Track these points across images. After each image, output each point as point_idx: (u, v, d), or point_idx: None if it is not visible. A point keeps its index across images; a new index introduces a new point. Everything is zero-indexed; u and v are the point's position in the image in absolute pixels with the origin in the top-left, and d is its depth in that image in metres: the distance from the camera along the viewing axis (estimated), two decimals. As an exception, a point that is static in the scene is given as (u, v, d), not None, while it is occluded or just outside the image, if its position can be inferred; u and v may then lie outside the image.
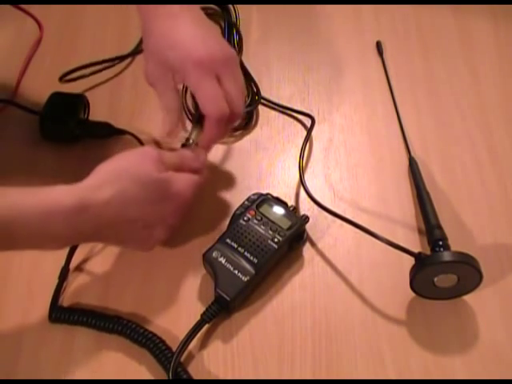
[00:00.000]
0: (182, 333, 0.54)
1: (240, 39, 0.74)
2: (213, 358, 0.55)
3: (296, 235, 0.58)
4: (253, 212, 0.58)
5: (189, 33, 0.56)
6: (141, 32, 0.73)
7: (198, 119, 0.60)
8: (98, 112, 0.68)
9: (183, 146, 0.60)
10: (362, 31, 0.76)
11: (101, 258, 0.60)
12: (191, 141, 0.60)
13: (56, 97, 0.67)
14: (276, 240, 0.57)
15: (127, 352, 0.54)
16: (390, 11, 0.77)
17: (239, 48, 0.73)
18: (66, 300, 0.58)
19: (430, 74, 0.72)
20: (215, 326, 0.56)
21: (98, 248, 0.61)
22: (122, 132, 0.66)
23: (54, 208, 0.48)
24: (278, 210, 0.59)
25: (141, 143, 0.66)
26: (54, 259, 0.58)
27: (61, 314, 0.56)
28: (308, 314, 0.57)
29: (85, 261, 0.60)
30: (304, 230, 0.60)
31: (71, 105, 0.67)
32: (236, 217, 0.59)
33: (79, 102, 0.67)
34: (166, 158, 0.55)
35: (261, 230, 0.57)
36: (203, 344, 0.55)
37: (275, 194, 0.61)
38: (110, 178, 0.52)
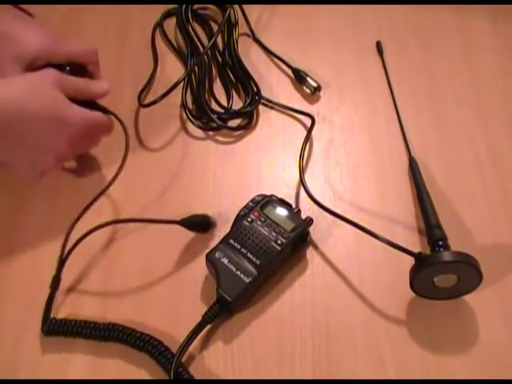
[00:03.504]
0: (183, 333, 0.54)
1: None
2: (213, 358, 0.55)
3: (299, 237, 0.58)
4: (257, 213, 0.58)
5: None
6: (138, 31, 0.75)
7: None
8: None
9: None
10: (362, 31, 0.76)
11: (101, 258, 0.60)
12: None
13: None
14: (279, 242, 0.57)
15: (126, 358, 0.54)
16: (390, 11, 0.77)
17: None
18: (64, 310, 0.57)
19: (430, 74, 0.72)
20: (216, 327, 0.56)
21: (98, 248, 0.61)
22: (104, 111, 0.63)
23: None
24: (282, 212, 0.59)
25: (121, 123, 0.63)
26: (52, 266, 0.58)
27: (53, 326, 0.55)
28: (308, 314, 0.57)
29: (86, 260, 0.60)
30: (308, 233, 0.60)
31: None
32: (240, 218, 0.59)
33: None
34: (68, 79, 0.57)
35: (264, 231, 0.57)
36: (204, 344, 0.55)
37: (276, 194, 0.61)
38: (15, 83, 0.54)
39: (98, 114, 0.60)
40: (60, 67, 0.59)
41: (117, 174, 0.61)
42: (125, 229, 0.62)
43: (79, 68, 0.62)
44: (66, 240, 0.58)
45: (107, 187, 0.61)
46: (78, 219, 0.60)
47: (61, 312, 0.57)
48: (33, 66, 0.58)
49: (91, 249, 0.60)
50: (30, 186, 0.64)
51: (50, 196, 0.64)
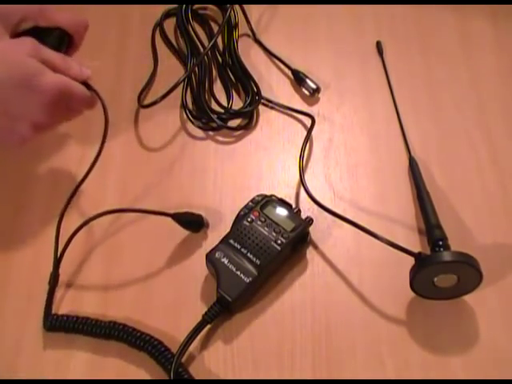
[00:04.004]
0: (183, 333, 0.54)
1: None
2: (213, 359, 0.55)
3: (299, 237, 0.58)
4: (257, 213, 0.58)
5: None
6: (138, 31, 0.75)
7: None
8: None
9: None
10: (362, 31, 0.76)
11: (100, 260, 0.60)
12: None
13: None
14: (279, 242, 0.57)
15: (126, 358, 0.54)
16: (390, 11, 0.77)
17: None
18: (64, 306, 0.58)
19: (430, 74, 0.72)
20: (216, 327, 0.56)
21: (97, 241, 0.61)
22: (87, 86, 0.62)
23: None
24: (282, 212, 0.59)
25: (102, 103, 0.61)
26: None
27: (55, 322, 0.55)
28: (308, 314, 0.57)
29: (85, 253, 0.60)
30: (308, 233, 0.60)
31: None
32: (240, 218, 0.59)
33: None
34: (46, 51, 0.55)
35: (264, 231, 0.57)
36: (204, 344, 0.55)
37: (276, 194, 0.61)
38: None
39: (75, 83, 0.57)
40: (47, 31, 0.58)
41: (94, 162, 0.59)
42: (122, 224, 0.62)
43: (66, 37, 0.60)
44: (58, 235, 0.58)
45: (82, 180, 0.59)
46: (61, 217, 0.58)
47: (62, 307, 0.57)
48: (18, 28, 0.57)
49: (90, 241, 0.61)
50: (29, 179, 0.65)
51: (49, 190, 0.64)
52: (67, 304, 0.58)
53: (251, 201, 0.60)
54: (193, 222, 0.61)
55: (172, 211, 0.59)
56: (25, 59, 0.53)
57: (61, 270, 0.58)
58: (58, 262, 0.57)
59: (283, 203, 0.60)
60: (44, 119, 0.55)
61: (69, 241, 0.57)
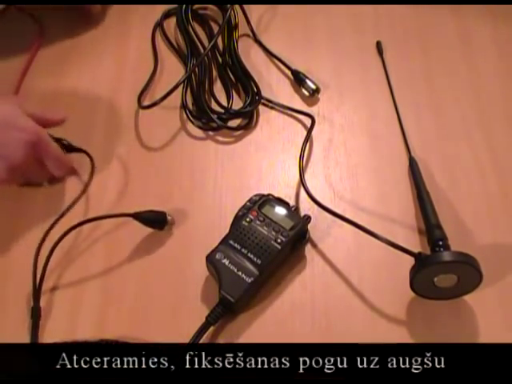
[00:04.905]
0: (185, 335, 0.54)
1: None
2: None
3: (299, 235, 0.58)
4: (255, 213, 0.58)
5: None
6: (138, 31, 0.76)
7: None
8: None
9: None
10: (362, 31, 0.76)
11: (100, 262, 0.60)
12: None
13: None
14: (279, 240, 0.57)
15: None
16: (390, 11, 0.77)
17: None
18: (58, 330, 0.56)
19: (430, 74, 0.72)
20: (216, 327, 0.56)
21: (94, 251, 0.61)
22: (75, 149, 0.66)
23: None
24: (280, 211, 0.59)
25: (91, 160, 0.66)
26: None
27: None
28: (308, 314, 0.57)
29: (81, 261, 0.60)
30: (306, 230, 0.60)
31: None
32: (238, 218, 0.59)
33: None
34: (26, 105, 0.60)
35: (264, 230, 0.57)
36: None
37: (276, 194, 0.61)
38: None
39: (52, 141, 0.61)
40: None
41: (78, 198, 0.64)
42: (113, 231, 0.62)
43: None
44: (36, 263, 0.58)
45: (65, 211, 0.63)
46: (44, 236, 0.60)
47: (57, 332, 0.56)
48: None
49: (69, 259, 0.60)
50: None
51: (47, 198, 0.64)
52: (61, 328, 0.57)
53: (249, 201, 0.60)
54: (155, 220, 0.61)
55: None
56: (12, 106, 0.59)
57: (48, 291, 0.57)
58: (37, 293, 0.56)
59: (281, 202, 0.60)
60: (19, 160, 0.58)
61: (44, 269, 0.57)
